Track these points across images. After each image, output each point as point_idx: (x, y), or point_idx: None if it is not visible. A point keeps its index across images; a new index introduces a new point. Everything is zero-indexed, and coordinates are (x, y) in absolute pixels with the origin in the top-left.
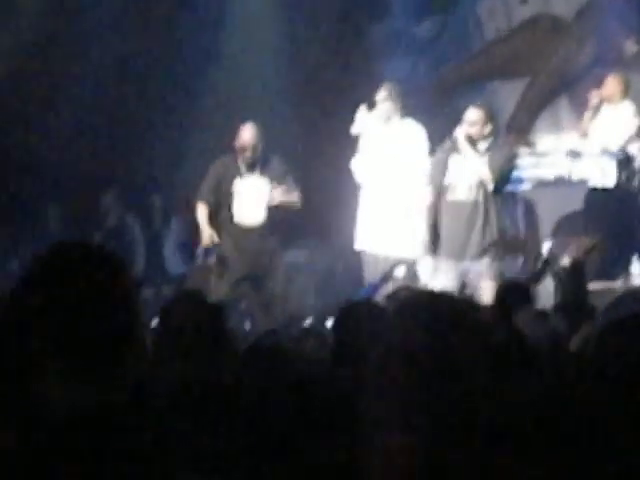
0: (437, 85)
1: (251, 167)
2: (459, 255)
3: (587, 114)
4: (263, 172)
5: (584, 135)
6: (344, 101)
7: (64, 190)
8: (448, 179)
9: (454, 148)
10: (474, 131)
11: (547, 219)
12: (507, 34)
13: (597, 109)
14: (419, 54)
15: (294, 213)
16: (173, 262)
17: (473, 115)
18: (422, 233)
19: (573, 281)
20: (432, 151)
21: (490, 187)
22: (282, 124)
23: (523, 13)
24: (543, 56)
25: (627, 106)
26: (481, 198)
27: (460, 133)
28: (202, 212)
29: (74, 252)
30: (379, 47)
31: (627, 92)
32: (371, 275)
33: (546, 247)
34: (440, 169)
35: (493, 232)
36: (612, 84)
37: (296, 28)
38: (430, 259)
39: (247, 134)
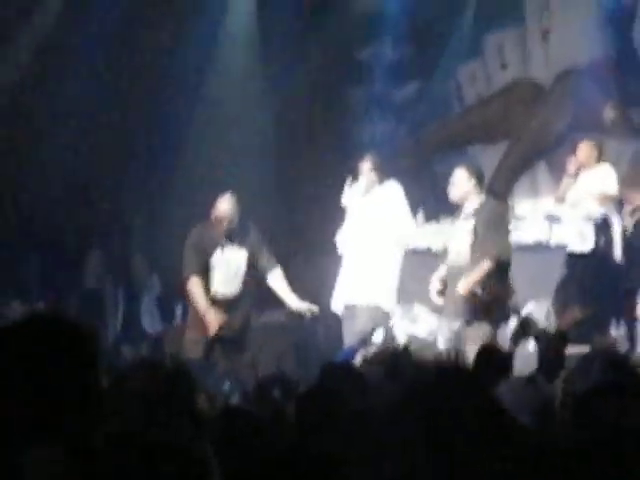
0: (416, 149)
1: (229, 238)
2: (452, 315)
3: (565, 180)
4: (241, 243)
5: (561, 200)
6: (324, 163)
7: (45, 245)
8: (451, 245)
9: (456, 215)
10: (456, 192)
11: (525, 283)
12: (487, 99)
13: (575, 175)
14: (399, 118)
15: None
16: (151, 321)
17: (454, 176)
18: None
19: (555, 350)
20: (413, 214)
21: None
22: (262, 188)
23: (503, 78)
24: (522, 121)
25: (603, 170)
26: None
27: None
28: (198, 289)
29: (45, 327)
30: (359, 110)
31: (601, 157)
32: (349, 334)
33: (525, 311)
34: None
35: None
36: (586, 150)
37: (277, 93)
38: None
39: (225, 205)
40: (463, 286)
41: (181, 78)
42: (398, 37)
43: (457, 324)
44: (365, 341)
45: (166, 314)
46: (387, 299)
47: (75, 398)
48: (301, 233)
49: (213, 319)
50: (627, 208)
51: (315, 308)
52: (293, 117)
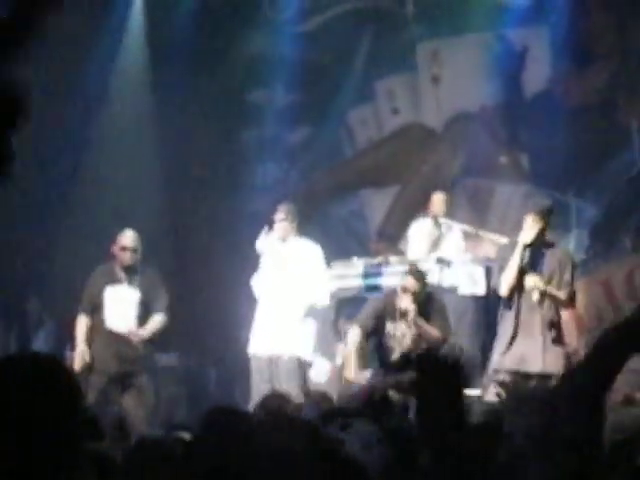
0: (308, 192)
1: (128, 274)
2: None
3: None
4: (137, 282)
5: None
6: (217, 207)
7: None
8: (387, 342)
9: (391, 312)
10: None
11: None
12: (378, 143)
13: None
14: (291, 160)
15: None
16: None
17: (409, 283)
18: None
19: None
20: None
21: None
22: (153, 230)
23: (394, 123)
24: (413, 165)
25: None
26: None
27: (403, 302)
28: (81, 326)
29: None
30: (251, 153)
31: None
32: (258, 381)
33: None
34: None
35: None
36: (437, 203)
37: (168, 136)
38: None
39: (127, 238)
40: None
41: (70, 122)
42: (289, 81)
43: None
44: (303, 388)
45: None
46: (307, 349)
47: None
48: (187, 275)
49: (79, 354)
50: None
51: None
52: (185, 161)
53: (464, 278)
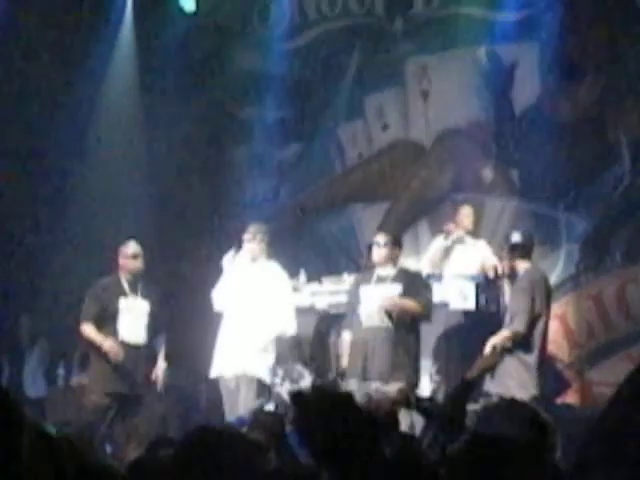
0: (298, 208)
1: (134, 285)
2: (370, 376)
3: (437, 249)
4: (144, 294)
5: (436, 265)
6: (207, 224)
7: None
8: (363, 307)
9: (364, 279)
10: (383, 253)
11: None
12: (368, 159)
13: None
14: (281, 177)
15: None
16: (33, 385)
17: (381, 238)
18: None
19: (458, 402)
20: (294, 273)
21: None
22: (143, 248)
23: (384, 139)
24: (403, 181)
25: (481, 246)
26: (393, 323)
27: (375, 255)
28: (90, 329)
29: None
30: (241, 170)
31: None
32: (230, 403)
33: None
34: (353, 301)
35: (406, 356)
36: (468, 214)
37: (158, 152)
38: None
39: (133, 246)
40: None
41: (60, 136)
42: (279, 97)
43: (375, 385)
44: (255, 412)
45: (49, 380)
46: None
47: None
48: (176, 292)
49: (112, 345)
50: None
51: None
52: (174, 177)
53: (454, 293)
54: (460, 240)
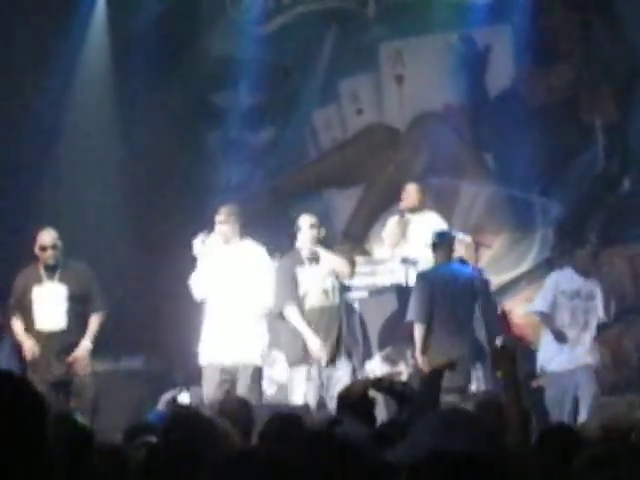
0: (273, 192)
1: (51, 272)
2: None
3: (392, 225)
4: (62, 279)
5: (393, 244)
6: (181, 209)
7: None
8: (301, 289)
9: (298, 260)
10: (313, 233)
11: (383, 325)
12: (342, 144)
13: (401, 220)
14: (255, 162)
15: (129, 321)
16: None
17: (307, 220)
18: (263, 341)
19: (427, 392)
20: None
21: (346, 281)
22: (118, 234)
23: (358, 123)
24: (378, 165)
25: (434, 218)
26: (337, 302)
27: (304, 240)
28: (17, 325)
29: None
30: (215, 155)
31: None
32: (209, 390)
33: (384, 353)
34: (289, 283)
35: (353, 335)
36: (416, 193)
37: (131, 139)
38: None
39: (45, 237)
40: None
41: (30, 130)
42: (253, 82)
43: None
44: (173, 403)
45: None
46: (259, 354)
47: None
48: (151, 278)
49: (30, 345)
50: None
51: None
52: (148, 162)
53: None
54: (413, 215)
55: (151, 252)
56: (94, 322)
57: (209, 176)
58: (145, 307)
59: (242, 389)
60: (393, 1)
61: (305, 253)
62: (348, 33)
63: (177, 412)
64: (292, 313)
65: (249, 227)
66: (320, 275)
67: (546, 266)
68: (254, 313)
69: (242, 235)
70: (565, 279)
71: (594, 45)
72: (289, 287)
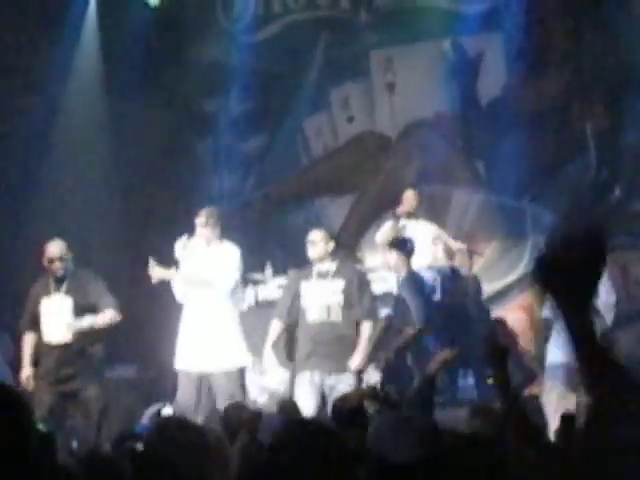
0: (265, 200)
1: (59, 284)
2: (320, 370)
3: (387, 228)
4: (69, 290)
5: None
6: (173, 217)
7: None
8: (305, 303)
9: (306, 274)
10: (318, 250)
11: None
12: (334, 151)
13: (395, 225)
14: (247, 169)
15: (121, 329)
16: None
17: (313, 235)
18: (241, 342)
19: (422, 396)
20: (260, 266)
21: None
22: (108, 243)
23: (349, 131)
24: (369, 173)
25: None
26: (340, 319)
27: (312, 254)
28: (26, 345)
29: None
30: (206, 162)
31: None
32: (183, 396)
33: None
34: (286, 298)
35: (350, 350)
36: (413, 199)
37: (122, 146)
38: (287, 375)
39: (54, 248)
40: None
41: (22, 133)
42: (244, 90)
43: (328, 378)
44: (154, 418)
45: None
46: (240, 355)
47: None
48: (143, 286)
49: (26, 374)
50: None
51: None
52: (139, 169)
53: None
54: (408, 221)
55: (142, 260)
56: (103, 315)
57: (201, 184)
58: (138, 316)
59: (222, 395)
60: (384, 9)
61: (315, 268)
62: (339, 41)
63: (161, 422)
64: (271, 327)
65: (241, 235)
66: (325, 291)
67: None
68: (230, 314)
69: (222, 237)
70: None
71: (585, 52)
72: (283, 302)
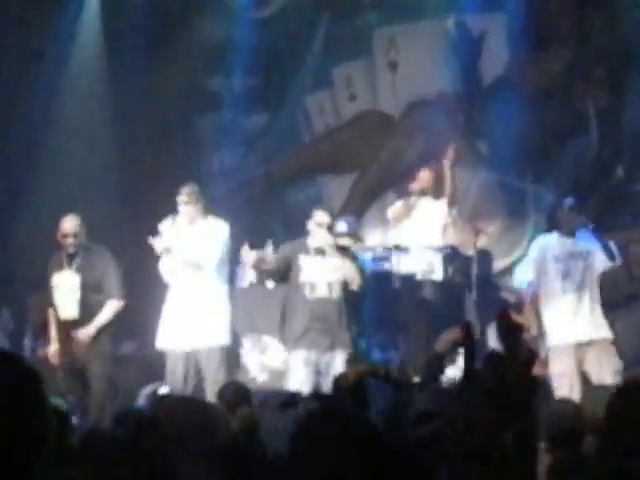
0: (266, 178)
1: (71, 260)
2: (317, 347)
3: (399, 204)
4: (79, 267)
5: (395, 221)
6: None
7: None
8: (306, 278)
9: (303, 248)
10: (326, 232)
11: (375, 310)
12: (336, 129)
13: (407, 203)
14: (248, 147)
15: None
16: None
17: (322, 218)
18: (223, 322)
19: (432, 375)
20: (261, 244)
21: (356, 288)
22: (109, 220)
23: (351, 109)
24: (371, 151)
25: (444, 204)
26: (340, 295)
27: (319, 237)
28: (51, 321)
29: None
30: (208, 140)
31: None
32: (171, 374)
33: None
34: (287, 261)
35: (351, 327)
36: (425, 178)
37: (125, 120)
38: (284, 352)
39: (68, 224)
40: None
41: (24, 113)
42: (247, 67)
43: (324, 355)
44: (151, 397)
45: (15, 348)
46: (226, 336)
47: None
48: (144, 263)
49: (52, 351)
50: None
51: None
52: (141, 148)
53: (422, 265)
54: (421, 199)
55: (140, 236)
56: (106, 309)
57: (202, 161)
58: (137, 293)
59: (210, 374)
60: None
61: (313, 244)
62: (342, 19)
63: (163, 398)
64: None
65: (242, 213)
66: (326, 268)
67: None
68: (216, 292)
69: (205, 214)
70: (552, 244)
71: (588, 31)
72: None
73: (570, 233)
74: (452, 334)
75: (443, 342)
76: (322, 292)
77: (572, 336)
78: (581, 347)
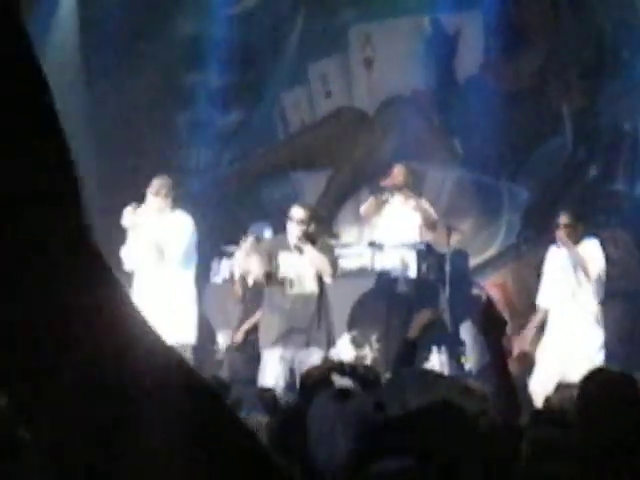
0: (241, 174)
1: None
2: (293, 344)
3: (371, 199)
4: None
5: (367, 217)
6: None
7: None
8: (284, 274)
9: (284, 244)
10: (303, 229)
11: (350, 309)
12: (311, 126)
13: (378, 198)
14: (224, 144)
15: None
16: None
17: (295, 212)
18: (192, 317)
19: (404, 363)
20: (237, 239)
21: (328, 280)
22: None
23: (327, 106)
24: (346, 148)
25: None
26: (316, 290)
27: (293, 232)
28: None
29: None
30: (184, 136)
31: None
32: None
33: (348, 337)
34: (266, 259)
35: (327, 321)
36: (402, 174)
37: (101, 119)
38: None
39: None
40: None
41: None
42: (222, 63)
43: (299, 351)
44: None
45: None
46: (189, 332)
47: None
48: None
49: None
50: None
51: None
52: (116, 144)
53: (396, 262)
54: (393, 195)
55: (117, 232)
56: None
57: (178, 157)
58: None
59: None
60: None
61: (292, 241)
62: (318, 15)
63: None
64: None
65: (218, 209)
66: (304, 265)
67: (513, 251)
68: (182, 289)
69: (174, 207)
70: (555, 256)
71: (562, 31)
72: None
73: (565, 243)
74: (421, 319)
75: (414, 328)
76: (299, 289)
77: None
78: None
